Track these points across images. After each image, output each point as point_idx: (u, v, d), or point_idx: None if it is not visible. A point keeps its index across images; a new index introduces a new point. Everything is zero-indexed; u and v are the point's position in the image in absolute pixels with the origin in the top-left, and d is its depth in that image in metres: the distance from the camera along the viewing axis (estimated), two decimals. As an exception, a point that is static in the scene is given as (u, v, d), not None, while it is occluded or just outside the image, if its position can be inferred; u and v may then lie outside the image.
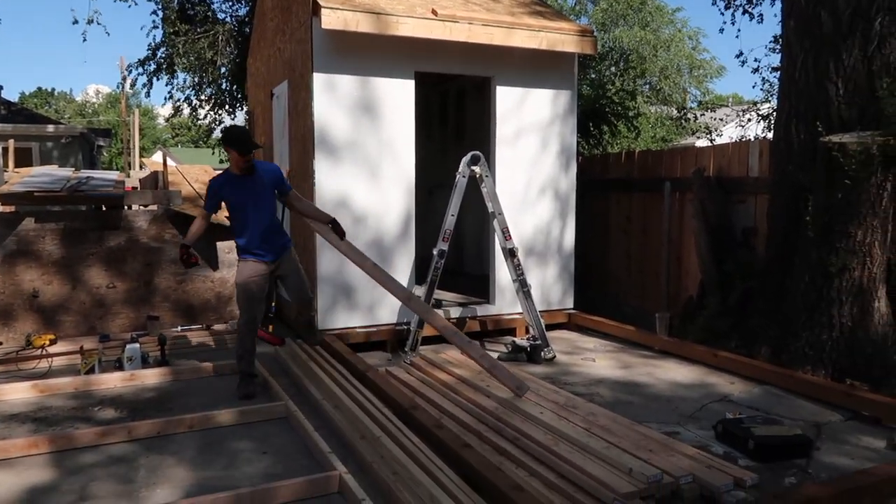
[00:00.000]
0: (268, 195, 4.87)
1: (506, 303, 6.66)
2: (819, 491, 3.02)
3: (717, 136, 11.99)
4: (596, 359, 5.88)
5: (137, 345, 5.55)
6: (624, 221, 7.88)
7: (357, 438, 3.80)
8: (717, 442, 3.94)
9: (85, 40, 16.74)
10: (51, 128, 19.59)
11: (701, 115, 14.34)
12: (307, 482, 3.29)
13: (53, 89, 57.24)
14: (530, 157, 6.71)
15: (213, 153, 18.33)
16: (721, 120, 13.59)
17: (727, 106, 21.58)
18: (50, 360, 5.56)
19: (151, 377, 5.23)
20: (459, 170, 5.89)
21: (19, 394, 4.82)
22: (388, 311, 6.22)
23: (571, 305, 7.10)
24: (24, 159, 16.93)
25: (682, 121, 13.50)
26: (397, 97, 6.15)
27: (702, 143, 12.11)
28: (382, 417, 4.03)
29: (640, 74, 14.07)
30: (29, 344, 5.90)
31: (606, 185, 8.15)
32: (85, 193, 6.41)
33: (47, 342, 5.89)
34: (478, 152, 5.91)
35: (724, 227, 6.43)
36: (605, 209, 8.16)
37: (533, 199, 6.75)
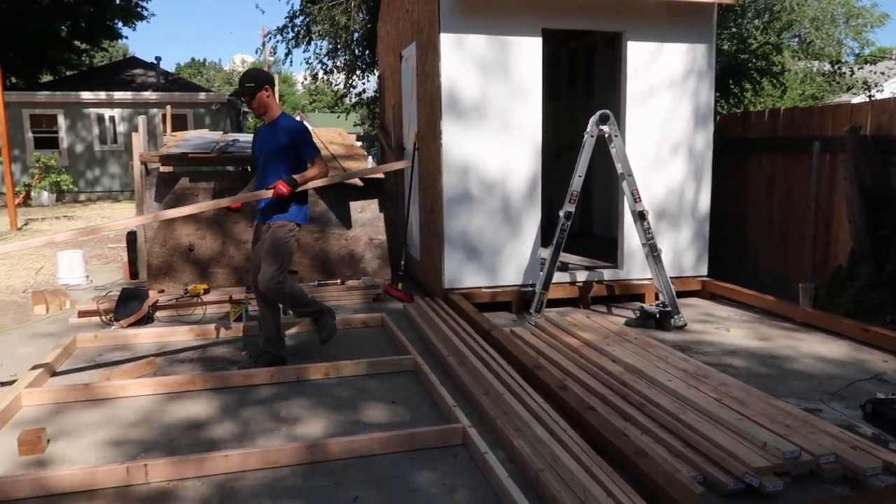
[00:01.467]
0: (277, 153, 4.41)
1: (635, 267, 6.47)
2: None
3: (876, 91, 10.82)
4: (730, 328, 5.60)
5: (278, 297, 5.95)
6: (765, 184, 7.36)
7: (481, 394, 3.89)
8: (864, 423, 3.66)
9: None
10: (202, 95, 21.15)
11: (858, 69, 12.94)
12: (433, 432, 3.42)
13: (204, 59, 61.59)
14: (663, 116, 6.40)
15: (346, 118, 18.95)
16: (882, 74, 12.22)
17: (890, 59, 19.33)
18: (204, 307, 6.10)
19: (291, 327, 5.60)
20: (587, 129, 5.73)
21: (180, 336, 5.35)
22: (513, 272, 6.25)
23: (705, 272, 6.77)
24: (179, 124, 18.44)
25: (836, 76, 12.25)
26: (525, 56, 6.05)
27: (858, 99, 10.98)
28: (506, 375, 4.08)
29: (786, 26, 12.85)
30: (186, 293, 6.48)
31: (747, 145, 7.62)
32: (232, 154, 6.88)
33: (202, 291, 6.45)
34: (607, 111, 5.72)
35: (880, 190, 5.83)
36: (745, 171, 7.65)
37: (665, 160, 6.46)
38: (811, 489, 2.95)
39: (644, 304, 5.93)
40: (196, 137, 7.99)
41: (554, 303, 6.11)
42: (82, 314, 5.88)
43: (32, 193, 17.70)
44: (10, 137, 12.99)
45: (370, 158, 7.78)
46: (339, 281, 6.98)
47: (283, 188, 4.26)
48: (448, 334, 5.00)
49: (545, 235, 6.34)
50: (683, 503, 2.54)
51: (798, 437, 3.19)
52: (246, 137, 8.24)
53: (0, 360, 4.84)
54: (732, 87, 10.53)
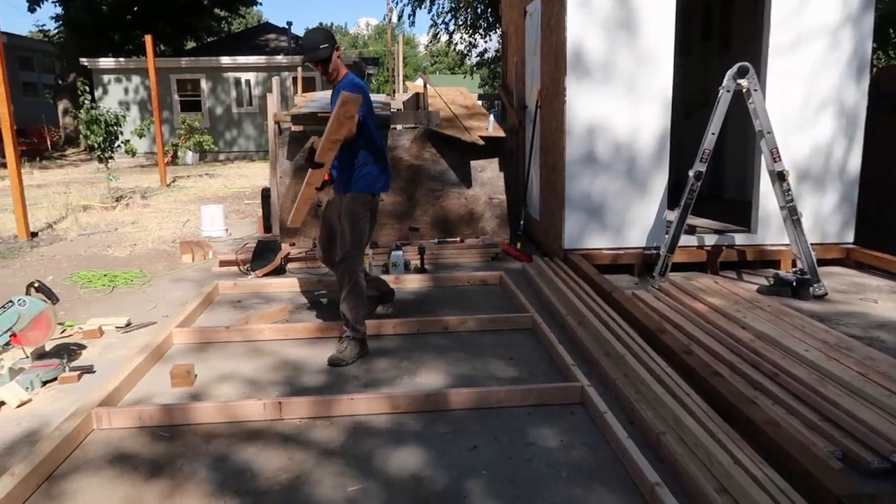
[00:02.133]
0: None
1: (770, 232, 6.06)
2: None
3: None
4: (878, 300, 5.14)
5: (401, 252, 6.12)
6: (930, 144, 6.60)
7: (601, 355, 3.83)
8: None
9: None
10: (329, 58, 21.77)
11: None
12: (551, 389, 3.41)
13: (331, 23, 63.42)
14: (810, 68, 5.87)
15: (471, 77, 18.86)
16: None
17: None
18: (330, 261, 6.39)
19: (412, 282, 5.75)
20: (723, 83, 5.37)
21: (309, 287, 5.64)
22: (636, 234, 6.04)
23: (851, 239, 6.23)
24: (308, 86, 19.15)
25: None
26: (655, 9, 5.72)
27: None
28: (627, 338, 3.99)
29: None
30: (314, 247, 6.79)
31: (910, 101, 6.85)
32: (358, 114, 7.07)
33: (328, 246, 6.74)
34: (746, 63, 5.32)
35: None
36: (906, 129, 6.89)
37: (810, 117, 5.94)
38: (970, 475, 2.68)
39: (779, 271, 5.56)
40: (324, 97, 8.26)
41: (679, 267, 5.86)
42: (223, 263, 6.34)
43: (179, 153, 19.14)
44: (160, 101, 14.05)
45: (491, 118, 7.72)
46: (458, 239, 7.06)
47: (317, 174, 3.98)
48: (567, 294, 4.94)
49: (671, 197, 6.06)
50: (820, 477, 2.38)
51: (957, 418, 2.90)
52: (372, 97, 8.42)
53: (154, 301, 5.33)
54: (893, 36, 9.47)
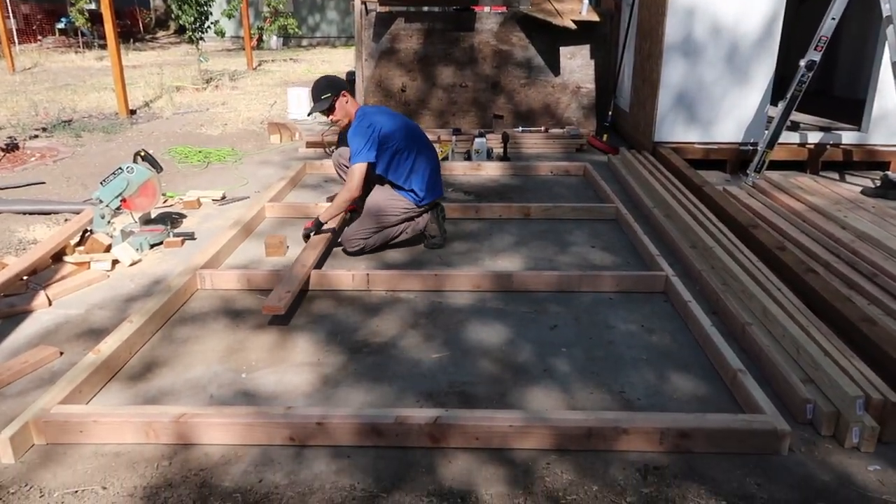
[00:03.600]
0: None
1: (883, 132, 5.63)
2: None
3: None
4: None
5: (484, 139, 6.05)
6: None
7: (686, 247, 3.75)
8: None
9: None
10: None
11: None
12: (634, 277, 3.40)
13: None
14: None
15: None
16: None
17: None
18: (413, 146, 6.39)
19: (494, 170, 5.71)
20: (853, -39, 4.83)
21: (391, 170, 5.70)
22: (732, 128, 5.73)
23: (977, 142, 5.71)
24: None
25: None
26: None
27: None
28: (717, 231, 3.88)
29: None
30: None
31: None
32: (445, -6, 6.83)
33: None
34: (884, -63, 4.75)
35: None
36: None
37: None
38: None
39: (889, 172, 5.19)
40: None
41: (776, 165, 5.56)
42: (309, 145, 6.46)
43: (264, 37, 19.15)
44: (245, -18, 13.94)
45: (585, 0, 7.29)
46: (542, 129, 6.90)
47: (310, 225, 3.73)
48: (655, 186, 4.80)
49: (776, 92, 5.66)
50: (914, 375, 2.32)
51: None
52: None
53: (246, 178, 5.53)
54: None
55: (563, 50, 7.07)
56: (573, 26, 6.67)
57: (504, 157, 6.06)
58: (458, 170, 5.72)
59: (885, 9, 4.88)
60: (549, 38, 7.00)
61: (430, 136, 6.48)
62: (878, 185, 5.06)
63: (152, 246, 3.93)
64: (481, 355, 2.81)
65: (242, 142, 6.95)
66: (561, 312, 3.18)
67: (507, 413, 2.29)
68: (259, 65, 14.32)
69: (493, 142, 6.34)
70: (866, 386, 2.31)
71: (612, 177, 5.54)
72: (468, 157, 6.06)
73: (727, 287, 3.23)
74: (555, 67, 7.08)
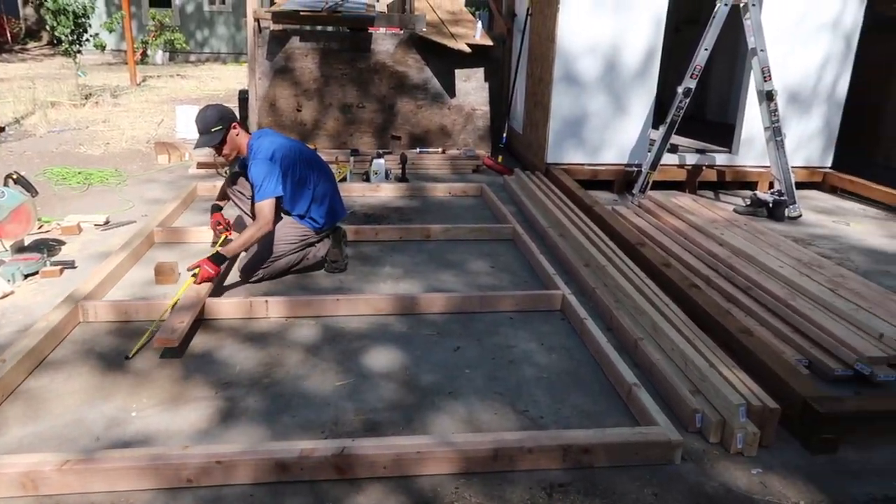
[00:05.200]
0: None
1: (750, 154, 6.11)
2: None
3: None
4: (851, 223, 5.27)
5: (382, 161, 6.06)
6: (916, 71, 6.61)
7: (581, 265, 3.90)
8: None
9: None
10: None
11: None
12: (532, 296, 3.49)
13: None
14: (809, -14, 5.76)
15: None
16: None
17: None
18: (311, 167, 6.29)
19: (392, 191, 5.72)
20: (721, -3, 5.25)
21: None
22: (618, 150, 6.04)
23: (829, 164, 6.32)
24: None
25: None
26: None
27: None
28: (608, 250, 4.06)
29: None
30: None
31: (901, 25, 6.80)
32: (342, 14, 6.80)
33: (308, 152, 6.63)
34: (746, -23, 5.19)
35: None
36: (893, 55, 6.87)
37: (805, 37, 5.87)
38: (925, 384, 2.85)
39: (757, 192, 5.64)
40: (305, -4, 7.91)
41: (658, 185, 5.91)
42: (200, 165, 6.21)
43: (148, 51, 18.32)
44: (127, -7, 13.32)
45: (479, 25, 7.48)
46: (440, 150, 6.99)
47: (209, 269, 3.33)
48: (549, 207, 4.97)
49: (655, 116, 6.03)
50: (788, 381, 2.51)
51: (918, 332, 3.05)
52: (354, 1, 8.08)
53: (131, 200, 5.24)
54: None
55: (459, 73, 7.21)
56: (467, 50, 6.82)
57: (402, 179, 6.09)
58: (357, 191, 5.68)
59: (751, 41, 5.33)
60: (445, 60, 7.12)
61: (328, 158, 6.43)
62: (749, 203, 5.48)
63: (27, 276, 3.63)
64: (386, 380, 2.79)
65: (127, 162, 6.59)
66: (463, 334, 3.22)
67: (414, 439, 2.28)
68: (143, 80, 13.66)
69: (392, 163, 6.36)
70: (747, 394, 2.48)
71: (508, 197, 5.69)
72: (366, 179, 6.04)
73: (620, 303, 3.39)
74: (451, 90, 7.21)
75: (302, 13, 6.56)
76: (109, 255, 3.82)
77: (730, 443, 2.37)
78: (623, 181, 6.05)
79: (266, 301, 3.30)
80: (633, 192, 5.61)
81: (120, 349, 2.95)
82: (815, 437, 2.36)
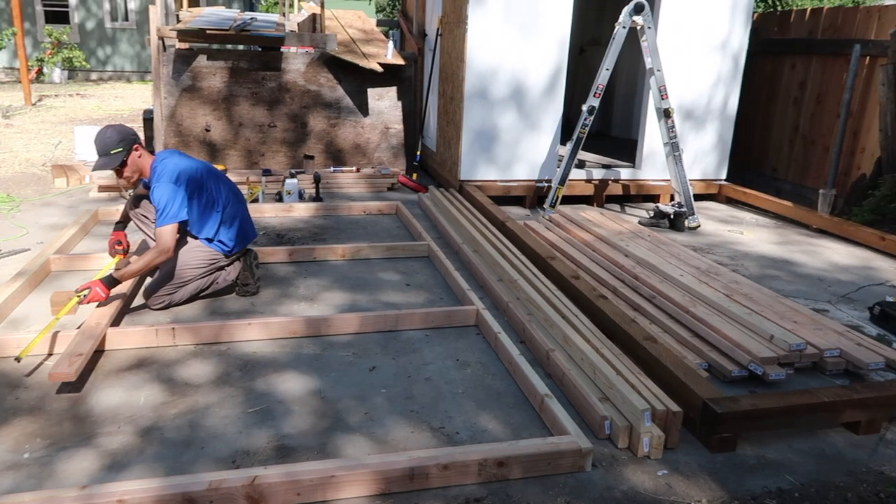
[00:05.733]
0: None
1: (652, 168, 6.40)
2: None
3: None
4: (744, 232, 5.61)
5: (295, 180, 5.98)
6: (796, 89, 7.13)
7: (494, 280, 3.97)
8: (871, 324, 3.74)
9: None
10: (214, -27, 20.23)
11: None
12: (447, 312, 3.52)
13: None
14: (699, 10, 6.11)
15: (370, 2, 18.14)
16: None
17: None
18: (221, 188, 6.13)
19: (306, 211, 5.65)
20: (620, 20, 5.51)
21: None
22: (529, 167, 6.20)
23: (724, 176, 6.71)
24: (192, 3, 17.77)
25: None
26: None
27: (906, 3, 10.41)
28: (520, 264, 4.15)
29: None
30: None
31: (782, 47, 7.33)
32: (250, 33, 6.69)
33: (218, 173, 6.46)
34: (642, 1, 5.47)
35: (918, 99, 5.66)
36: (777, 74, 7.40)
37: (698, 58, 6.23)
38: (812, 380, 3.05)
39: (659, 204, 5.91)
40: (212, 13, 7.73)
41: (568, 200, 6.11)
42: (102, 189, 5.94)
43: (45, 69, 17.40)
44: (21, 9, 12.63)
45: (390, 44, 7.53)
46: (354, 168, 6.96)
47: (99, 292, 3.18)
48: (463, 224, 5.04)
49: (564, 132, 6.24)
50: (689, 384, 2.63)
51: (804, 332, 3.28)
52: (264, 16, 7.97)
53: (25, 227, 4.94)
54: (772, -15, 10.02)
55: (372, 91, 7.23)
56: (379, 69, 6.85)
57: (317, 198, 6.02)
58: (269, 212, 5.58)
59: (648, 62, 5.61)
60: (358, 79, 7.13)
61: (239, 178, 6.29)
62: (651, 215, 5.74)
63: None
64: (299, 405, 2.74)
65: (20, 186, 6.22)
66: (379, 353, 3.20)
67: (329, 463, 2.25)
68: (40, 100, 12.97)
69: (305, 182, 6.28)
70: (652, 399, 2.59)
71: (423, 215, 5.73)
72: (279, 199, 5.94)
73: (532, 316, 3.47)
74: (364, 108, 7.22)
75: (208, 32, 6.42)
76: (0, 286, 3.59)
77: (637, 447, 2.46)
78: (535, 196, 6.22)
79: (173, 328, 3.18)
80: (544, 206, 5.77)
81: (10, 385, 2.77)
82: (714, 436, 2.49)
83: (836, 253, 5.06)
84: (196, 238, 3.67)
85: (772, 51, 7.43)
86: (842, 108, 6.31)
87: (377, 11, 23.03)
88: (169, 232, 3.37)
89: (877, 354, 3.13)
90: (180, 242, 3.58)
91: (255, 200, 5.84)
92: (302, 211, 5.65)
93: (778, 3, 10.37)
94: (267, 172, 6.56)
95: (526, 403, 2.79)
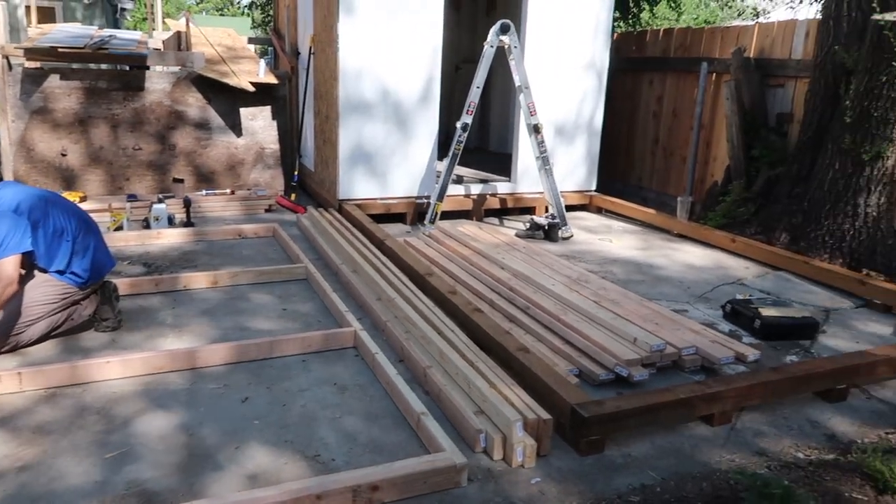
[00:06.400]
0: None
1: (527, 182, 6.62)
2: (815, 367, 3.10)
3: (764, 19, 11.31)
4: (613, 240, 5.91)
5: (163, 205, 5.69)
6: (655, 103, 7.64)
7: (373, 300, 3.94)
8: (724, 321, 4.03)
9: None
10: (72, -13, 19.06)
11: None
12: (323, 336, 3.45)
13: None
14: (563, 31, 6.42)
15: (237, 18, 17.69)
16: (772, 1, 12.77)
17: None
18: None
19: (176, 237, 5.39)
20: (488, 39, 5.69)
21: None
22: (408, 184, 6.24)
23: (594, 187, 7.05)
24: (47, 19, 16.60)
25: (728, 1, 12.75)
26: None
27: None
28: (399, 282, 4.15)
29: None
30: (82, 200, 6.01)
31: (640, 65, 7.84)
32: (108, 51, 6.33)
33: (77, 200, 6.04)
34: (508, 21, 5.68)
35: (758, 111, 6.21)
36: (637, 90, 7.89)
37: (564, 76, 6.53)
38: (672, 378, 3.24)
39: (534, 216, 6.11)
40: (66, 31, 7.26)
41: (448, 215, 6.20)
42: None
43: None
44: None
45: (262, 62, 7.37)
46: (228, 191, 6.73)
47: None
48: (342, 244, 4.98)
49: (443, 149, 6.34)
50: (559, 391, 2.72)
51: (665, 333, 3.47)
52: (124, 34, 7.57)
53: None
54: (632, 6, 10.69)
55: (245, 111, 7.03)
56: (251, 87, 6.68)
57: (188, 223, 5.75)
58: (135, 240, 5.27)
59: (517, 79, 5.81)
60: (229, 98, 6.91)
61: (101, 205, 5.91)
62: (527, 227, 5.92)
63: None
64: (165, 444, 2.58)
65: None
66: (252, 383, 3.09)
67: (193, 505, 2.13)
68: None
69: (175, 207, 5.99)
70: (524, 409, 2.65)
71: (301, 236, 5.61)
72: (147, 226, 5.63)
73: (409, 334, 3.47)
74: (237, 128, 7.00)
75: (60, 49, 6.01)
76: None
77: (511, 457, 2.50)
78: (415, 212, 6.25)
79: (19, 373, 2.91)
80: (425, 222, 5.82)
81: None
82: (582, 439, 2.58)
83: (693, 256, 5.43)
84: (46, 272, 3.40)
85: (632, 68, 7.92)
86: (695, 121, 6.82)
87: (253, 27, 22.52)
88: (9, 264, 3.10)
89: (728, 349, 3.37)
90: (27, 277, 3.31)
91: (120, 228, 5.50)
92: (172, 237, 5.38)
93: (637, 24, 11.06)
94: (132, 198, 6.21)
95: (404, 423, 2.78)
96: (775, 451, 2.69)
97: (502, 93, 8.56)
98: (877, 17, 4.66)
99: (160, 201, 5.87)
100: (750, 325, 3.84)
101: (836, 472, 2.51)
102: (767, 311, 3.85)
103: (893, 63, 4.58)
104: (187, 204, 5.79)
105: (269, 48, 12.61)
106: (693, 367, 3.31)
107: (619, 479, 2.47)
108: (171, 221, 5.71)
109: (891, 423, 2.96)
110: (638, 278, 4.83)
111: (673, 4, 11.96)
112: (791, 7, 11.31)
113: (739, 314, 3.93)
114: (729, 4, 13.30)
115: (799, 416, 2.98)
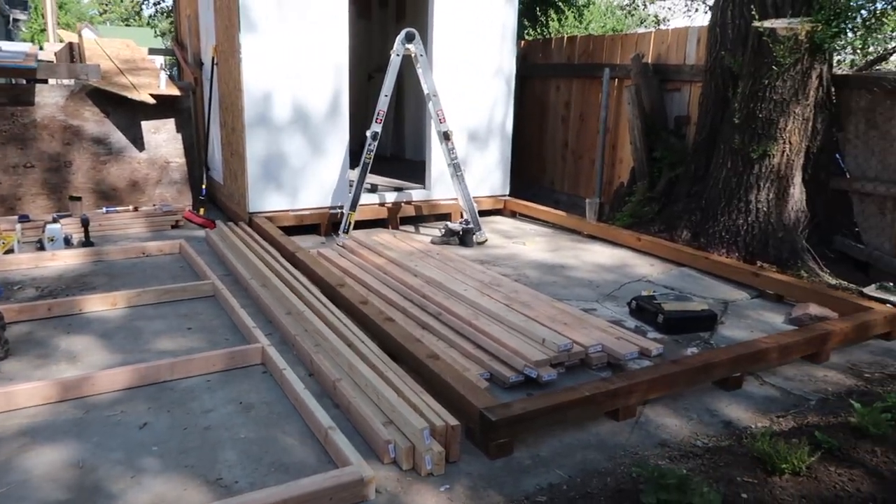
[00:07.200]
0: None
1: (442, 188, 6.65)
2: (713, 357, 3.23)
3: (665, 26, 11.81)
4: (526, 243, 6.01)
5: (58, 225, 5.38)
6: (562, 108, 7.84)
7: (283, 314, 3.85)
8: (630, 317, 4.15)
9: None
10: (-44, -3, 17.93)
11: (651, 2, 14.02)
12: (228, 354, 3.34)
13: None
14: (471, 38, 6.50)
15: (144, 28, 17.05)
16: (670, 10, 13.34)
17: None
18: (-35, 240, 5.35)
19: (73, 258, 5.11)
20: (394, 48, 5.69)
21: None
22: (320, 194, 6.15)
23: (508, 192, 7.15)
24: (-73, 31, 15.51)
25: (631, 9, 13.26)
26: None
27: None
28: (309, 295, 4.07)
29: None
30: None
31: (547, 71, 8.03)
32: (-9, 65, 5.96)
33: (-38, 223, 5.64)
34: (412, 30, 5.70)
35: (658, 114, 6.47)
36: (545, 96, 8.08)
37: (474, 82, 6.60)
38: (581, 376, 3.31)
39: (448, 222, 6.14)
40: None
41: (364, 224, 6.14)
42: None
43: None
44: None
45: (163, 74, 7.10)
46: (131, 208, 6.44)
47: None
48: (251, 258, 4.85)
49: (355, 158, 6.28)
50: (470, 398, 2.72)
51: (573, 332, 3.55)
52: (10, 47, 7.15)
53: None
54: (540, 15, 10.94)
55: (146, 125, 6.75)
56: (151, 100, 6.43)
57: (87, 243, 5.46)
58: (27, 263, 4.96)
59: (425, 87, 5.84)
60: (129, 112, 6.62)
61: (-13, 227, 5.53)
62: (443, 234, 5.94)
63: None
64: (51, 479, 2.42)
65: None
66: (152, 408, 2.95)
67: (80, 543, 2.00)
68: None
69: (72, 227, 5.68)
70: (433, 416, 2.63)
71: (210, 252, 5.43)
72: (41, 247, 5.31)
73: (319, 347, 3.40)
74: (138, 143, 6.71)
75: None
76: None
77: (420, 466, 2.48)
78: (329, 223, 6.17)
79: None
80: (339, 233, 5.74)
81: None
82: (491, 443, 2.59)
83: (602, 255, 5.59)
84: None
85: (540, 75, 8.10)
86: (600, 125, 7.04)
87: (156, 36, 21.72)
88: None
89: (633, 345, 3.48)
90: None
91: (10, 251, 5.16)
92: (68, 258, 5.09)
93: (546, 31, 11.33)
94: (24, 218, 5.85)
95: (313, 439, 2.72)
96: (676, 441, 2.79)
97: (416, 101, 8.58)
98: (756, 24, 4.94)
99: (55, 221, 5.56)
100: (654, 320, 3.97)
101: (730, 458, 2.61)
102: (669, 306, 3.99)
103: (773, 67, 4.87)
104: (85, 223, 5.51)
105: (175, 59, 12.20)
106: (600, 365, 3.39)
107: (528, 481, 2.49)
108: (67, 242, 5.41)
109: (781, 407, 3.12)
110: (550, 280, 4.92)
111: (576, 14, 12.30)
112: (688, 15, 11.86)
113: (644, 310, 4.07)
114: (631, 13, 13.81)
115: (699, 406, 3.10)
